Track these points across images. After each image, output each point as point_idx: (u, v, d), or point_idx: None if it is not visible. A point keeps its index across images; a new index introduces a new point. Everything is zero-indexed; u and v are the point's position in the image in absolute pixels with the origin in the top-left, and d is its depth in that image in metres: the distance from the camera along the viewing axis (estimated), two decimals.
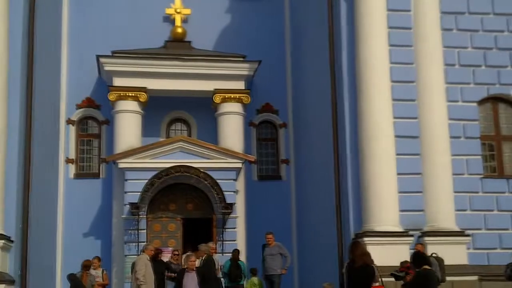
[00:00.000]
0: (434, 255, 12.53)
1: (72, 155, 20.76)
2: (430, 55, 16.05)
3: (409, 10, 16.27)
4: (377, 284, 10.04)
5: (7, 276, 14.24)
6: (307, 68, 20.33)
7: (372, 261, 9.72)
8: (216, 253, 16.61)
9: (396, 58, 15.98)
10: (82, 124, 21.28)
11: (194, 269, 14.28)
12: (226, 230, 18.73)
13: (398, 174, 15.47)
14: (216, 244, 18.07)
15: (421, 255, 11.02)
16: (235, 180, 19.22)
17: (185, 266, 14.50)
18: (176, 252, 16.84)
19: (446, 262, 14.15)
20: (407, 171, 15.51)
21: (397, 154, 15.56)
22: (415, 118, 15.81)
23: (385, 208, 15.12)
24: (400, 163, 15.52)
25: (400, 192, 15.41)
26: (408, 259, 12.45)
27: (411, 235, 15.18)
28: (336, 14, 16.68)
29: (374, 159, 15.39)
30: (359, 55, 15.91)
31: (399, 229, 15.19)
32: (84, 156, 21.06)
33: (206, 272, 14.79)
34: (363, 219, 15.34)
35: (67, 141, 20.76)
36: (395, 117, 15.70)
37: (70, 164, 20.66)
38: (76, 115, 21.04)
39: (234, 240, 18.56)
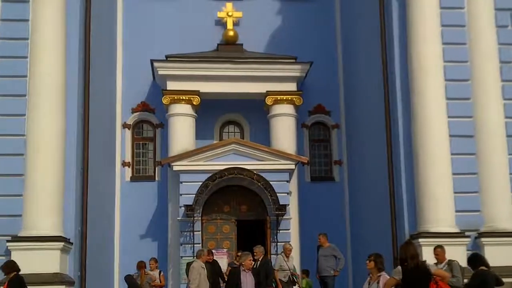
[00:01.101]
0: (455, 262, 12.22)
1: (128, 158, 21.13)
2: (485, 52, 15.79)
3: (462, 8, 16.04)
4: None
5: (67, 277, 14.55)
6: (359, 68, 20.23)
7: (422, 261, 9.56)
8: (289, 255, 16.44)
9: (450, 57, 15.78)
10: (137, 127, 21.64)
11: (251, 269, 13.88)
12: (280, 231, 18.76)
13: (454, 174, 15.27)
14: (270, 246, 18.20)
15: (478, 257, 10.87)
16: (288, 181, 19.25)
17: (242, 264, 14.10)
18: (240, 254, 16.71)
19: (504, 263, 13.94)
20: (462, 171, 15.29)
21: (452, 154, 15.35)
22: (470, 117, 15.58)
23: (440, 208, 14.93)
24: (455, 163, 15.32)
25: (455, 193, 15.21)
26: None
27: (468, 236, 14.95)
28: (388, 14, 16.56)
29: (429, 159, 15.21)
30: (411, 54, 15.76)
31: (455, 230, 14.98)
32: (140, 159, 21.41)
33: (263, 275, 14.79)
34: (418, 220, 15.18)
35: (123, 144, 21.12)
36: (449, 116, 15.50)
37: (126, 167, 21.02)
38: (131, 119, 21.41)
39: (288, 242, 18.57)
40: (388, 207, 16.17)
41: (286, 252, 16.08)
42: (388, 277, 9.26)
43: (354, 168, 20.72)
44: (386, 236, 16.17)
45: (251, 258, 13.99)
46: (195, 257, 14.61)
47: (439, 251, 12.18)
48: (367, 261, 9.58)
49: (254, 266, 15.13)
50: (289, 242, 17.64)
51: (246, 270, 13.71)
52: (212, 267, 15.10)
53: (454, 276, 11.23)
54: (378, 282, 9.29)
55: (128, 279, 14.74)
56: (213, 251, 16.99)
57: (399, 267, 9.02)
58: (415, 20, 15.80)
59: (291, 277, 15.81)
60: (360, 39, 19.94)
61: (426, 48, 15.65)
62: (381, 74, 16.73)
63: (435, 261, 12.18)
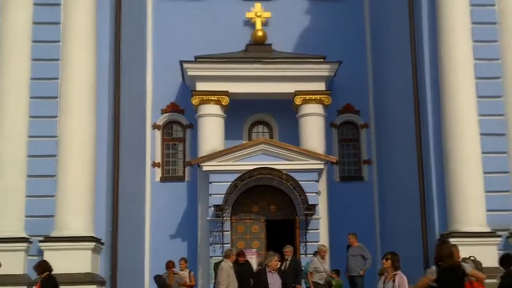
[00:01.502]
0: (472, 258, 11.85)
1: (158, 159, 21.28)
2: None
3: (493, 5, 15.87)
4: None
5: (98, 277, 14.73)
6: (388, 67, 20.12)
7: (457, 261, 9.45)
8: (324, 257, 16.32)
9: (481, 54, 15.62)
10: (167, 128, 21.80)
11: (276, 269, 13.49)
12: (309, 231, 18.73)
13: (485, 173, 15.13)
14: (300, 245, 18.20)
15: (509, 256, 10.73)
16: (317, 181, 19.21)
17: (268, 264, 13.63)
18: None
19: None
20: (494, 169, 15.15)
21: (483, 153, 15.21)
22: (502, 115, 15.41)
23: (471, 208, 14.80)
24: (487, 162, 15.17)
25: (487, 192, 15.07)
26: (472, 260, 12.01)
27: (499, 236, 14.78)
28: (417, 12, 16.45)
29: (459, 158, 15.10)
30: (441, 52, 15.64)
31: (486, 229, 14.84)
32: (170, 160, 21.57)
33: (292, 274, 14.72)
34: (448, 220, 15.07)
35: (153, 145, 21.30)
36: (480, 115, 15.36)
37: (156, 167, 21.19)
38: (161, 119, 21.58)
39: (317, 241, 18.52)
40: (418, 207, 16.07)
41: (321, 254, 16.01)
42: (404, 276, 9.15)
43: (384, 167, 20.62)
44: (416, 236, 16.07)
45: (277, 259, 13.70)
46: (223, 257, 14.57)
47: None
48: (383, 260, 9.46)
49: (284, 266, 15.12)
50: (318, 243, 17.62)
51: (272, 271, 13.41)
52: (244, 268, 14.98)
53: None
54: (394, 281, 9.16)
55: (158, 279, 14.81)
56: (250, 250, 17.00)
57: (434, 267, 8.90)
58: (445, 18, 15.67)
59: (327, 278, 15.74)
60: (390, 37, 19.82)
61: (456, 46, 15.52)
62: (411, 72, 16.62)
63: None
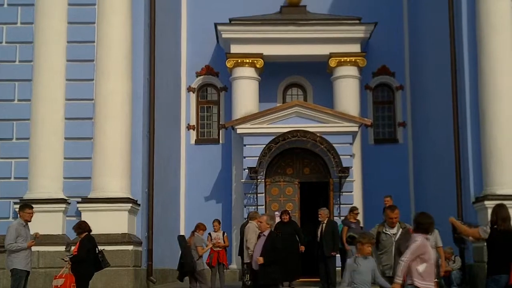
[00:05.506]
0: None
1: (193, 122, 21.44)
2: None
3: None
4: None
5: (135, 238, 15.01)
6: (424, 28, 19.79)
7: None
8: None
9: None
10: (201, 91, 21.89)
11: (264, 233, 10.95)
12: (343, 193, 18.77)
13: None
14: (333, 208, 18.24)
15: None
16: (351, 144, 19.16)
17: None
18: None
19: None
20: None
21: None
22: None
23: (507, 170, 14.60)
24: None
25: None
26: None
27: None
28: None
29: (496, 120, 14.87)
30: (479, 12, 15.30)
31: None
32: (204, 122, 21.69)
33: (329, 241, 14.68)
34: (484, 182, 14.92)
35: (187, 108, 21.43)
36: None
37: (191, 130, 21.35)
38: (196, 82, 21.65)
39: (351, 204, 18.53)
40: (453, 169, 15.96)
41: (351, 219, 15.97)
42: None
43: (419, 129, 20.46)
44: (451, 198, 16.00)
45: (264, 219, 11.14)
46: (248, 219, 14.61)
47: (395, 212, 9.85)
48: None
49: (320, 230, 15.13)
50: (352, 205, 17.57)
51: (261, 234, 11.13)
52: (288, 226, 15.27)
53: None
54: None
55: (179, 238, 14.82)
56: (277, 213, 17.17)
57: (487, 227, 8.86)
58: None
59: None
60: None
61: (495, 5, 15.15)
62: (448, 33, 16.32)
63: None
